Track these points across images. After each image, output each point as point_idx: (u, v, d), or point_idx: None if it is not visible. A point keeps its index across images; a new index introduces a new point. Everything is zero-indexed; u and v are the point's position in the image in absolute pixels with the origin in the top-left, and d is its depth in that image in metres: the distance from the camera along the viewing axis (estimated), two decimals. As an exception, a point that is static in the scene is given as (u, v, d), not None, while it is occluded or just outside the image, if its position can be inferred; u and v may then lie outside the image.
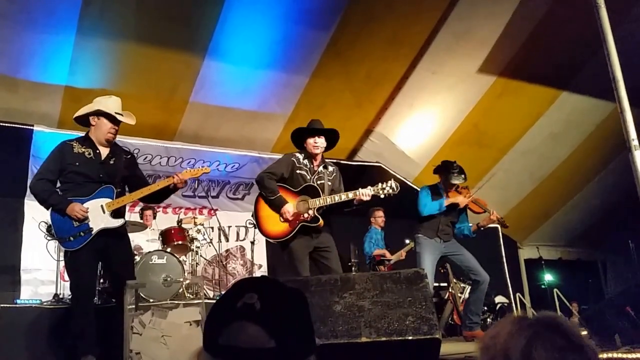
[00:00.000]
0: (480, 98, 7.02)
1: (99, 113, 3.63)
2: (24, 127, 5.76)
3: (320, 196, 3.90)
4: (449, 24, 6.06)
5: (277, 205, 3.89)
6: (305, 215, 3.85)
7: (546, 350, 0.97)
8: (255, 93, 6.41)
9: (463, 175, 4.98)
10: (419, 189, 5.27)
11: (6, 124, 5.71)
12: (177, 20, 5.38)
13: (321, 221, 3.88)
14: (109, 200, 3.54)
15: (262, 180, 3.98)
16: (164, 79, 5.94)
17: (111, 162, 3.66)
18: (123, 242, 3.72)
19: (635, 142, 3.72)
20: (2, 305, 4.29)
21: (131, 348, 3.23)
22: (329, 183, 4.06)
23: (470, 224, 5.23)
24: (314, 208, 3.86)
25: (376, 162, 7.64)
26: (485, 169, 7.89)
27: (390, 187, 3.91)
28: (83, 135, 3.73)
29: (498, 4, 5.95)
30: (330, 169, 4.16)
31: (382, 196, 3.94)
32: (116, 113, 3.64)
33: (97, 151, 3.63)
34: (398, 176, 7.34)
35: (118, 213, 3.61)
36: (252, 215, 4.05)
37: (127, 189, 3.81)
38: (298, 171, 4.02)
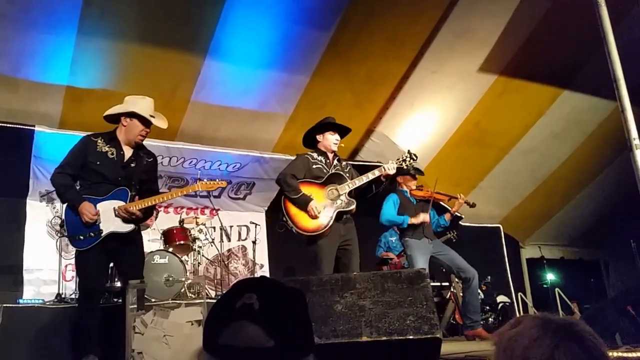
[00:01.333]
0: (481, 97, 7.02)
1: (132, 114, 3.59)
2: (25, 127, 5.75)
3: (347, 181, 3.97)
4: (450, 23, 6.05)
5: (302, 203, 3.90)
6: (338, 202, 3.91)
7: None
8: (256, 93, 6.41)
9: (421, 171, 5.24)
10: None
11: (7, 125, 5.70)
12: (177, 20, 5.38)
13: (354, 205, 3.95)
14: (122, 203, 3.51)
15: (285, 178, 3.98)
16: (165, 79, 5.94)
17: (132, 164, 3.62)
18: (134, 245, 3.68)
19: (636, 141, 3.72)
20: (4, 305, 4.28)
21: (133, 348, 3.24)
22: (347, 175, 4.13)
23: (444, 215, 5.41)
24: (345, 193, 3.94)
25: (377, 162, 7.63)
26: (486, 168, 7.90)
27: (410, 157, 4.10)
28: (109, 132, 3.67)
29: (498, 3, 5.94)
30: (344, 163, 4.27)
31: (406, 166, 4.17)
32: (150, 116, 3.60)
33: (121, 152, 3.60)
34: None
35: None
36: (284, 219, 3.97)
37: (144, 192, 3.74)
38: (314, 166, 4.06)
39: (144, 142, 5.22)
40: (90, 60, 5.51)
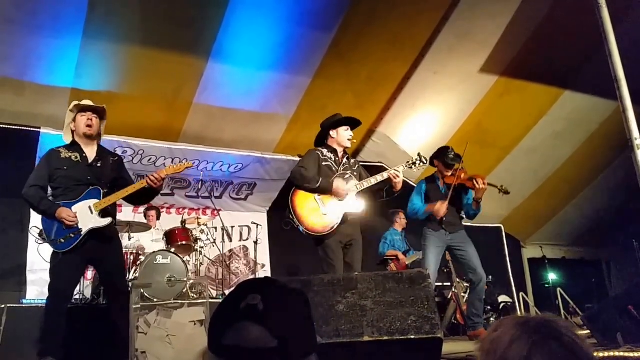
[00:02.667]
0: (483, 98, 7.04)
1: (72, 112, 3.74)
2: (31, 129, 5.80)
3: (354, 182, 3.99)
4: (451, 24, 6.07)
5: (325, 189, 3.90)
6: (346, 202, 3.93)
7: None
8: (258, 94, 6.44)
9: (459, 159, 4.98)
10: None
11: (13, 127, 5.76)
12: (180, 23, 5.41)
13: (363, 207, 3.98)
14: (96, 201, 3.61)
15: (299, 174, 3.96)
16: (168, 81, 5.98)
17: (98, 164, 3.73)
18: (113, 244, 3.76)
19: (637, 141, 3.74)
20: (8, 305, 4.33)
21: (137, 347, 3.27)
22: (355, 173, 4.13)
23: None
24: (353, 194, 3.95)
25: (378, 163, 7.66)
26: (488, 169, 7.90)
27: (420, 160, 4.11)
28: (69, 143, 3.82)
29: (499, 4, 5.96)
30: (352, 161, 4.25)
31: (416, 170, 4.19)
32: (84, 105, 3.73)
33: (84, 155, 3.71)
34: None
35: (106, 213, 3.66)
36: (290, 216, 3.94)
37: (115, 190, 3.81)
38: (324, 164, 4.06)
39: (146, 144, 5.25)
40: (95, 63, 5.56)
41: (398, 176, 3.96)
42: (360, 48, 6.11)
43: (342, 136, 4.12)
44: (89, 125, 3.70)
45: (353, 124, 4.19)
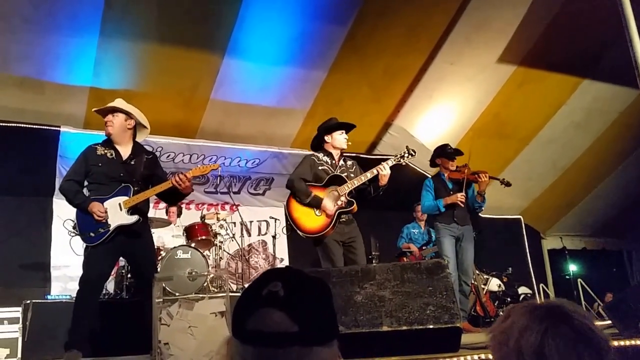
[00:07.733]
0: (501, 88, 6.97)
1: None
2: (51, 128, 5.91)
3: (346, 182, 4.08)
4: (467, 14, 6.02)
5: (314, 206, 4.04)
6: (339, 202, 4.02)
7: (557, 346, 0.98)
8: (274, 89, 6.47)
9: (459, 152, 5.17)
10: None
11: (34, 126, 5.86)
12: (196, 20, 5.46)
13: (355, 205, 4.04)
14: (126, 198, 3.73)
15: (293, 183, 4.12)
16: (185, 78, 6.04)
17: (132, 162, 3.85)
18: (142, 239, 3.85)
19: (658, 129, 3.67)
20: (33, 300, 4.45)
21: (160, 339, 3.33)
22: (352, 175, 4.22)
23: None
24: (345, 193, 4.04)
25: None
26: (507, 160, 7.83)
27: (408, 153, 4.16)
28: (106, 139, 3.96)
29: (516, -7, 5.89)
30: (349, 162, 4.36)
31: (404, 163, 4.21)
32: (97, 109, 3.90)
33: (118, 152, 3.84)
34: (418, 169, 7.33)
35: (135, 210, 3.76)
36: (287, 220, 4.18)
37: (149, 187, 3.92)
38: (320, 167, 4.17)
39: (164, 141, 5.34)
40: (112, 62, 5.64)
41: (384, 169, 4.02)
42: (375, 41, 6.10)
43: (337, 140, 4.23)
44: (107, 126, 3.84)
45: (346, 128, 4.27)
